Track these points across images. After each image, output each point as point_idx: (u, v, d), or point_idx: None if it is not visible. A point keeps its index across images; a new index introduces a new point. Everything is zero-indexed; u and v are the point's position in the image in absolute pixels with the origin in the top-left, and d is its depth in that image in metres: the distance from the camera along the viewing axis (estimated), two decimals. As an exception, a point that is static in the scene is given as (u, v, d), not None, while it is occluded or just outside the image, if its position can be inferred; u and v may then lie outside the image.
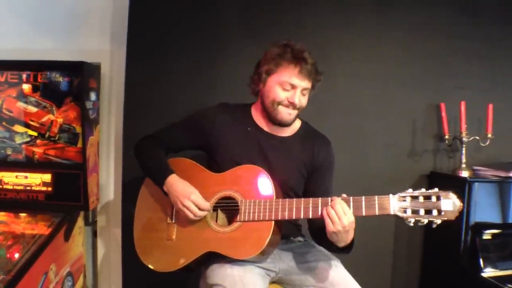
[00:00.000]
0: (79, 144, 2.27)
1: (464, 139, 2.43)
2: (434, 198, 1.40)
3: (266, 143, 1.75)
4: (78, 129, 2.27)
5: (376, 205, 1.44)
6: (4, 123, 2.28)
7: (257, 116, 1.80)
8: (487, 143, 2.42)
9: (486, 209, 2.33)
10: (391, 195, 1.44)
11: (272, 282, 1.73)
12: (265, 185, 1.61)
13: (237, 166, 1.68)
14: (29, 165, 2.30)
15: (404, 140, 2.58)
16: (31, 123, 2.28)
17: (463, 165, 2.42)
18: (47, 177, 2.30)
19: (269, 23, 2.45)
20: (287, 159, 1.75)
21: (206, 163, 1.81)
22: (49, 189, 2.30)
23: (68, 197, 2.31)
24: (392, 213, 1.42)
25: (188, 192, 1.63)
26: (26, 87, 2.26)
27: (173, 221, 1.72)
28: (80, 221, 2.41)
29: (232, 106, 1.84)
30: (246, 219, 1.58)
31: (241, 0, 2.47)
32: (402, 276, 2.63)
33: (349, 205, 1.46)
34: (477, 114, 2.48)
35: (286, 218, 1.55)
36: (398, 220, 1.43)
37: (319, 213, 1.50)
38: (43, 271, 2.02)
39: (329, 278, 1.62)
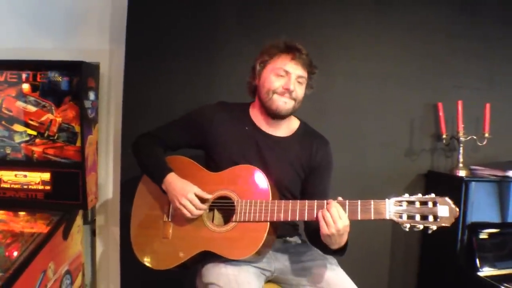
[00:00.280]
0: (78, 143, 2.29)
1: (462, 139, 2.43)
2: (430, 204, 1.39)
3: (263, 143, 1.75)
4: (77, 128, 2.28)
5: (372, 210, 1.43)
6: (3, 122, 2.29)
7: (255, 115, 1.80)
8: (485, 143, 2.43)
9: (483, 208, 2.33)
10: (387, 200, 1.43)
11: (269, 281, 1.74)
12: (261, 185, 1.62)
13: (234, 165, 1.68)
14: (28, 164, 2.31)
15: (401, 139, 2.58)
16: (31, 122, 2.29)
17: (460, 165, 2.43)
18: (46, 176, 2.31)
19: (267, 22, 2.45)
20: (284, 159, 1.74)
21: (203, 162, 1.81)
22: (48, 188, 2.31)
23: (67, 196, 2.32)
24: (387, 218, 1.41)
25: (185, 191, 1.63)
26: (26, 86, 2.27)
27: (170, 220, 1.72)
28: (79, 220, 2.42)
29: (231, 105, 1.84)
30: (242, 220, 1.58)
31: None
32: (400, 276, 2.64)
33: (344, 209, 1.45)
34: (475, 114, 2.48)
35: (282, 219, 1.55)
36: (395, 222, 1.44)
37: (315, 216, 1.50)
38: (42, 269, 2.03)
39: (325, 278, 1.62)
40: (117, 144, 2.55)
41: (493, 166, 2.44)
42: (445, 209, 1.37)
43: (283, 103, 1.68)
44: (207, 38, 2.45)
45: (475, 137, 2.44)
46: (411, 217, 1.39)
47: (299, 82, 1.70)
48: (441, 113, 2.48)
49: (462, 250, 2.29)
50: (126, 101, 2.43)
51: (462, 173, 2.39)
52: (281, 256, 1.74)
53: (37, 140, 2.30)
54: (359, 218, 1.45)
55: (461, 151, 2.45)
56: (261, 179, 1.62)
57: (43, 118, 2.28)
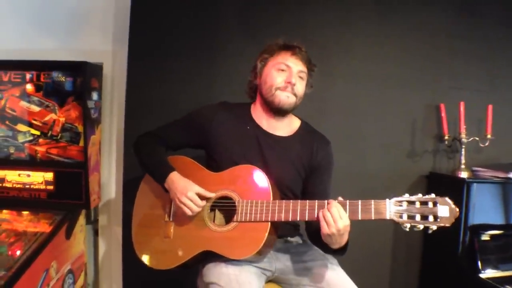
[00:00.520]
0: (81, 143, 2.30)
1: (463, 140, 2.43)
2: (430, 204, 1.39)
3: (264, 142, 1.75)
4: (80, 128, 2.30)
5: (372, 210, 1.44)
6: (7, 122, 2.31)
7: (256, 114, 1.81)
8: (487, 144, 2.43)
9: (485, 210, 2.32)
10: (387, 200, 1.43)
11: (269, 281, 1.74)
12: (262, 185, 1.62)
13: (235, 165, 1.69)
14: (32, 163, 2.33)
15: (403, 140, 2.58)
16: (34, 122, 2.31)
17: (462, 166, 2.42)
18: (49, 175, 2.32)
19: (268, 22, 2.46)
20: (285, 158, 1.75)
21: (204, 163, 1.82)
22: (51, 187, 2.33)
23: (69, 196, 2.34)
24: (388, 217, 1.42)
25: (187, 189, 1.63)
26: (29, 86, 2.29)
27: (171, 219, 1.73)
28: (81, 220, 2.44)
29: (231, 105, 1.85)
30: (243, 220, 1.58)
31: (241, 0, 2.48)
32: (401, 277, 2.64)
33: (345, 209, 1.45)
34: (477, 115, 2.48)
35: (283, 219, 1.55)
36: (396, 222, 1.44)
37: (316, 216, 1.50)
38: (44, 268, 2.05)
39: (326, 278, 1.63)
40: (120, 144, 2.57)
41: (495, 167, 2.43)
42: (445, 209, 1.37)
43: (285, 97, 1.69)
44: (209, 39, 2.46)
45: (477, 139, 2.44)
46: (411, 217, 1.40)
47: (300, 77, 1.72)
48: (443, 114, 2.48)
49: (463, 251, 2.29)
50: (128, 101, 2.44)
51: (464, 174, 2.39)
52: (282, 256, 1.74)
53: (41, 140, 2.32)
54: (359, 218, 1.45)
55: (463, 152, 2.44)
56: (261, 179, 1.63)
57: (47, 118, 2.30)
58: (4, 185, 2.34)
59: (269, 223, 1.56)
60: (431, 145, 2.60)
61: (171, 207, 1.74)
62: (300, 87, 1.73)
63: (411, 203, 1.41)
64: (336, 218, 1.43)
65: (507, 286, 2.10)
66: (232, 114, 1.80)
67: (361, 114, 2.55)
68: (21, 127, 2.32)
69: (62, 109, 2.29)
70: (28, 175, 2.33)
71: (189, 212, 1.63)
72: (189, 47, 2.46)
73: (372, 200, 1.45)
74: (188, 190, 1.63)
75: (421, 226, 1.39)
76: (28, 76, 2.29)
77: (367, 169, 2.55)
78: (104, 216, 2.69)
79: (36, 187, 2.33)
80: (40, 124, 2.31)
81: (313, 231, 1.64)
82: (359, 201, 1.46)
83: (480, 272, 2.21)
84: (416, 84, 2.56)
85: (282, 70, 1.70)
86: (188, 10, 2.46)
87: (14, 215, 2.30)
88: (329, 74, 2.46)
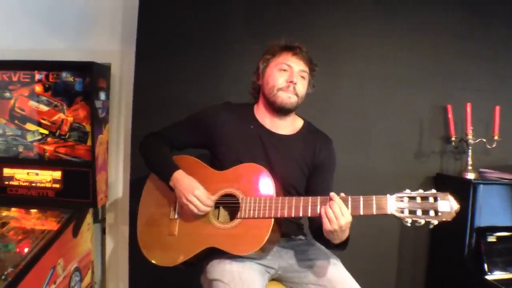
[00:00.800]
0: (89, 143, 2.33)
1: (470, 141, 2.41)
2: (431, 199, 1.40)
3: (268, 141, 1.77)
4: (88, 128, 2.32)
5: (374, 205, 1.45)
6: (16, 121, 2.35)
7: (259, 114, 1.83)
8: (494, 145, 2.41)
9: (491, 211, 2.30)
10: (388, 195, 1.44)
11: (272, 279, 1.75)
12: (265, 183, 1.63)
13: (239, 164, 1.70)
14: (40, 162, 2.36)
15: (410, 141, 2.57)
16: (43, 121, 2.34)
17: (469, 167, 2.41)
18: (57, 174, 2.35)
19: (275, 23, 2.47)
20: (289, 157, 1.77)
21: (209, 162, 1.83)
22: (59, 186, 2.35)
23: (77, 194, 2.36)
24: (389, 212, 1.43)
25: (192, 187, 1.65)
26: (38, 86, 2.32)
27: (176, 217, 1.75)
28: (89, 218, 2.46)
29: (235, 105, 1.87)
30: (247, 216, 1.60)
31: (248, 0, 2.50)
32: (407, 278, 2.62)
33: (347, 205, 1.47)
34: (484, 116, 2.46)
35: (286, 216, 1.56)
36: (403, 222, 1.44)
37: (318, 212, 1.51)
38: (51, 265, 2.07)
39: (328, 276, 1.63)
40: (127, 143, 2.59)
41: (502, 169, 2.42)
42: (446, 204, 1.38)
43: (287, 97, 1.72)
44: (216, 39, 2.48)
45: (484, 140, 2.43)
46: (412, 212, 1.41)
47: (301, 77, 1.74)
48: (450, 115, 2.46)
49: (469, 253, 2.27)
50: (136, 101, 2.47)
51: (470, 175, 2.37)
52: (286, 253, 1.75)
53: (49, 139, 2.35)
54: (361, 213, 1.46)
55: (470, 153, 2.43)
56: (265, 177, 1.64)
57: (55, 118, 2.33)
58: (12, 183, 2.37)
59: (273, 220, 1.57)
60: (438, 146, 2.58)
61: (176, 205, 1.76)
62: (302, 87, 1.75)
63: (412, 198, 1.42)
64: (338, 215, 1.44)
65: (514, 288, 2.09)
66: (236, 114, 1.82)
67: (368, 115, 2.55)
68: (30, 126, 2.35)
69: (70, 109, 2.32)
70: (37, 174, 2.36)
71: (195, 210, 1.64)
72: (196, 47, 2.48)
73: (374, 196, 1.46)
74: (195, 188, 1.65)
75: (422, 221, 1.40)
76: (37, 76, 2.32)
77: (373, 170, 2.54)
78: (111, 215, 2.71)
79: (44, 185, 2.36)
80: (49, 124, 2.34)
81: (316, 229, 1.66)
82: (361, 197, 1.48)
83: (487, 274, 2.20)
84: (423, 85, 2.55)
85: (284, 70, 1.73)
86: (196, 10, 2.48)
87: (22, 213, 2.33)
88: (335, 74, 2.46)
